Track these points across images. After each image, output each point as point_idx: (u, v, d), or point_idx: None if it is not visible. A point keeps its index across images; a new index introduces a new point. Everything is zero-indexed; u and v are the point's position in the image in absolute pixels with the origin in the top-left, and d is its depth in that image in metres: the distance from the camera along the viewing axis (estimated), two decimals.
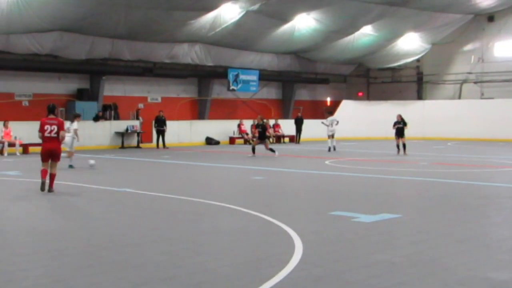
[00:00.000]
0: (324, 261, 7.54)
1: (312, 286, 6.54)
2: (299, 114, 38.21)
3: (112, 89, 34.48)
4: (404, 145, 26.72)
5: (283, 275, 6.86)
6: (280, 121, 39.07)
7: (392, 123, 27.87)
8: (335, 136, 29.88)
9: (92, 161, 20.40)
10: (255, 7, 31.39)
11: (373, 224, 10.02)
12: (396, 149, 27.22)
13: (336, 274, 6.97)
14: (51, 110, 14.26)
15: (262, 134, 26.56)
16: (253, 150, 25.92)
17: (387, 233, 9.41)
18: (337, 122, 30.28)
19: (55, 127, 13.91)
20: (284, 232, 9.29)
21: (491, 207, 12.51)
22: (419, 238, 9.05)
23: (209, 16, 31.50)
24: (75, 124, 20.52)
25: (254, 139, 26.19)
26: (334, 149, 29.02)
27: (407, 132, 27.78)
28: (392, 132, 27.90)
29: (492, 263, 7.53)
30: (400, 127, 27.26)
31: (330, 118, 30.45)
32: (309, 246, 8.34)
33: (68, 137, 18.77)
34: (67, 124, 18.21)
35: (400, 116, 27.79)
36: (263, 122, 26.92)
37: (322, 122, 31.15)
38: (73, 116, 21.46)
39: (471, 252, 8.13)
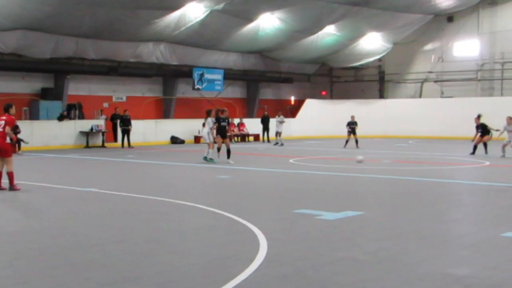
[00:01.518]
0: (289, 259, 7.56)
1: (277, 284, 6.56)
2: (266, 113, 38.29)
3: (77, 88, 34.15)
4: (356, 141, 30.69)
5: (248, 273, 6.86)
6: (245, 120, 39.12)
7: (347, 123, 31.32)
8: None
9: (360, 157, 21.51)
10: (220, 6, 31.35)
11: (337, 222, 10.09)
12: (345, 144, 30.88)
13: (301, 272, 6.99)
14: (5, 109, 14.43)
15: (223, 131, 22.61)
16: (218, 150, 22.60)
17: (350, 230, 9.48)
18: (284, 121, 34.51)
19: (2, 122, 14.02)
20: (249, 231, 9.30)
21: (451, 204, 12.69)
22: (382, 235, 9.13)
23: (174, 15, 31.37)
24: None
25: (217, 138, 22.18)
26: (282, 144, 32.34)
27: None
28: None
29: (452, 259, 7.63)
30: (353, 126, 31.04)
31: (282, 117, 34.37)
32: (274, 244, 8.36)
33: None
34: None
35: (353, 117, 31.43)
36: (225, 116, 23.20)
37: (278, 122, 34.00)
38: None
39: (432, 248, 8.23)
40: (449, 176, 17.64)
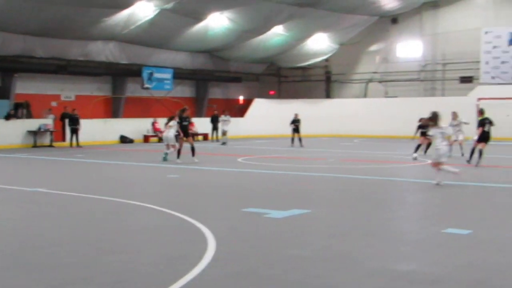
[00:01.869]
0: (238, 257, 7.58)
1: (226, 282, 6.57)
2: (216, 112, 38.20)
3: (25, 87, 33.46)
4: (300, 139, 30.89)
5: (197, 272, 6.86)
6: (194, 119, 38.92)
7: (291, 121, 31.67)
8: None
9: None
10: (170, 5, 31.16)
11: (284, 220, 10.14)
12: (291, 142, 31.31)
13: (249, 270, 7.01)
14: None
15: (186, 130, 22.13)
16: (179, 152, 21.80)
17: (298, 228, 9.54)
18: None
19: None
20: (198, 230, 9.28)
21: (395, 201, 12.89)
22: (329, 232, 9.22)
23: (124, 14, 31.04)
24: None
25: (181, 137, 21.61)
26: (224, 143, 32.69)
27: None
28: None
29: (397, 255, 7.77)
30: (297, 124, 31.29)
31: (228, 116, 34.89)
32: (223, 243, 8.36)
33: None
34: None
35: (297, 115, 31.75)
36: (186, 115, 22.76)
37: (224, 120, 34.54)
38: None
39: (377, 245, 8.35)
40: (393, 174, 17.91)
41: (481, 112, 21.82)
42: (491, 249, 8.02)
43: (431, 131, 15.53)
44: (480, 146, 20.20)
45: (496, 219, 10.33)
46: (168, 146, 22.91)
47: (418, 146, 24.31)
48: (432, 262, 7.36)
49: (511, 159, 23.06)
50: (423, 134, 24.58)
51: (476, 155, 20.27)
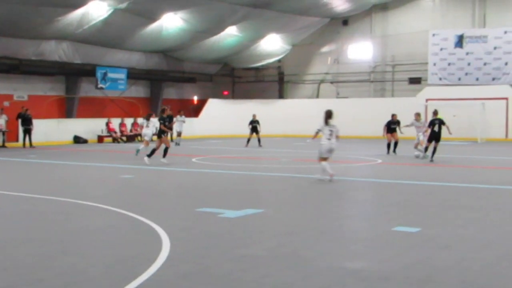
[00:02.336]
0: (192, 257, 7.56)
1: (180, 282, 6.55)
2: (170, 112, 37.91)
3: None
4: (259, 139, 30.88)
5: (151, 273, 6.81)
6: None
7: (249, 121, 31.54)
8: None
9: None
10: (123, 5, 30.85)
11: (238, 220, 10.16)
12: (246, 143, 30.95)
13: (203, 270, 7.00)
14: None
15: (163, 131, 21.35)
16: (153, 151, 21.01)
17: (251, 227, 9.56)
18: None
19: None
20: (152, 230, 9.22)
21: (345, 200, 13.03)
22: (281, 231, 9.26)
23: (77, 13, 30.60)
24: None
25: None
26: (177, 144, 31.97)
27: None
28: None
29: (347, 254, 7.85)
30: (255, 125, 31.20)
31: (183, 117, 34.34)
32: (177, 243, 8.33)
33: None
34: None
35: (255, 116, 31.64)
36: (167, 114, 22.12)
37: (179, 121, 33.60)
38: None
39: (328, 243, 8.43)
40: (344, 174, 18.06)
41: (435, 113, 22.46)
42: (438, 246, 8.16)
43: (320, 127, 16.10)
44: (430, 144, 21.21)
45: (444, 217, 10.52)
46: (147, 143, 23.20)
47: (389, 145, 24.75)
48: (381, 259, 7.46)
49: (457, 159, 23.49)
50: (392, 131, 24.88)
51: (429, 153, 21.33)
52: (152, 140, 23.71)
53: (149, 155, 20.77)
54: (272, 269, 7.03)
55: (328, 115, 16.10)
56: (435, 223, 9.87)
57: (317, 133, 16.29)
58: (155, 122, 23.08)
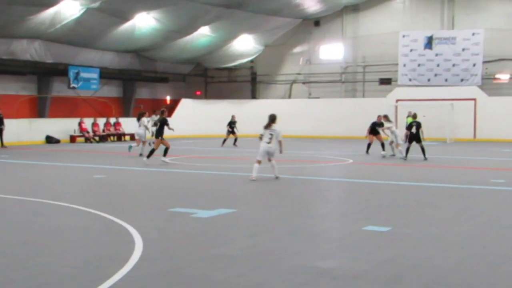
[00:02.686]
0: (164, 257, 7.54)
1: (153, 282, 6.52)
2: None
3: None
4: (236, 139, 31.42)
5: (124, 273, 6.78)
6: (121, 119, 38.47)
7: (228, 122, 31.73)
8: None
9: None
10: (96, 4, 30.59)
11: (210, 219, 10.15)
12: (222, 143, 31.40)
13: (176, 270, 6.99)
14: None
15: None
16: (152, 151, 20.93)
17: (223, 227, 9.56)
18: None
19: None
20: (125, 230, 9.18)
21: (318, 199, 13.08)
22: (254, 231, 9.27)
23: (49, 12, 30.26)
24: None
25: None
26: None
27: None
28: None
29: (318, 253, 7.88)
30: (233, 126, 31.58)
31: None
32: (150, 243, 8.30)
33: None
34: None
35: (234, 116, 32.04)
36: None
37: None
38: None
39: (300, 243, 8.46)
40: (316, 174, 18.17)
41: (414, 116, 23.59)
42: (408, 245, 8.24)
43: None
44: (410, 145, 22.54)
45: (414, 217, 10.62)
46: (139, 141, 24.52)
47: (369, 145, 24.97)
48: (353, 258, 7.51)
49: (422, 158, 23.70)
50: (376, 132, 24.96)
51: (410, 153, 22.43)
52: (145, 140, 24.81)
53: (148, 156, 20.72)
54: (245, 269, 7.04)
55: (272, 119, 16.41)
56: (405, 223, 9.95)
57: (260, 138, 16.58)
58: (145, 122, 24.55)
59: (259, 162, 16.17)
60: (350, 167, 20.32)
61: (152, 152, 20.81)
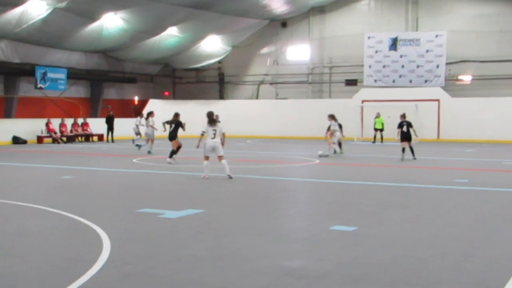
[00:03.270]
0: (132, 258, 7.50)
1: (120, 284, 6.49)
2: (111, 113, 37.49)
3: None
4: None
5: (91, 274, 6.74)
6: (89, 120, 38.12)
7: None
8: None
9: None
10: (63, 4, 30.28)
11: (178, 220, 10.12)
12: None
13: (144, 271, 6.96)
14: None
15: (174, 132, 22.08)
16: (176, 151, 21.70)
17: (192, 228, 9.54)
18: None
19: None
20: (92, 231, 9.11)
21: (285, 200, 13.11)
22: (222, 232, 9.27)
23: (16, 12, 29.86)
24: None
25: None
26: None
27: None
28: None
29: (286, 253, 7.91)
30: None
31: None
32: (118, 244, 8.25)
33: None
34: None
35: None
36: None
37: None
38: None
39: (268, 243, 8.48)
40: (284, 174, 18.22)
41: (403, 116, 24.16)
42: (373, 245, 8.31)
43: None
44: (403, 144, 23.05)
45: (379, 216, 10.72)
46: (148, 140, 26.12)
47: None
48: (319, 258, 7.55)
49: (391, 159, 23.94)
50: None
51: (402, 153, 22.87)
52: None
53: (170, 156, 21.43)
54: (212, 269, 7.04)
55: (210, 116, 17.09)
56: (370, 222, 10.04)
57: (202, 134, 17.06)
58: (151, 122, 26.57)
59: (207, 158, 16.71)
60: (317, 168, 20.42)
61: (172, 153, 21.53)
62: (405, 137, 23.26)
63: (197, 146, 17.30)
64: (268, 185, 15.51)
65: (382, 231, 9.31)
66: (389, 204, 12.14)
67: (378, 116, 35.11)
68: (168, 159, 21.21)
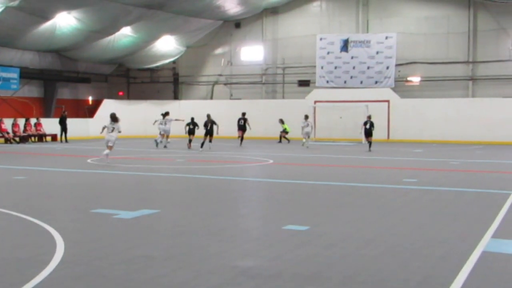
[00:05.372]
0: (86, 259, 7.40)
1: (74, 284, 6.39)
2: (65, 113, 36.92)
3: None
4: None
5: (44, 275, 6.61)
6: (42, 120, 37.48)
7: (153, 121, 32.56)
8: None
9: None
10: (15, 3, 29.71)
11: (133, 220, 10.04)
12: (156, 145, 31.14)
13: (97, 271, 6.87)
14: None
15: (208, 131, 28.82)
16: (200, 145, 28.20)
17: (146, 228, 9.47)
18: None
19: None
20: (46, 232, 8.96)
21: (239, 200, 13.13)
22: (176, 231, 9.23)
23: None
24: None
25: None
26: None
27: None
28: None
29: (239, 252, 7.92)
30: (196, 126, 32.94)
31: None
32: (71, 244, 8.13)
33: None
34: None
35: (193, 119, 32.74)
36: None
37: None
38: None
39: (221, 243, 8.47)
40: (237, 174, 18.23)
41: (369, 117, 29.72)
42: (325, 244, 8.38)
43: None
44: (368, 139, 28.97)
45: (331, 215, 10.81)
46: (163, 136, 30.67)
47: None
48: (272, 257, 7.57)
49: (343, 159, 24.19)
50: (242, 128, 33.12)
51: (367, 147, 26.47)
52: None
53: (201, 146, 28.01)
54: (166, 270, 6.99)
55: (112, 117, 21.55)
56: (323, 221, 10.13)
57: (103, 128, 21.59)
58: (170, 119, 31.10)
59: (110, 148, 21.06)
60: (270, 167, 20.50)
61: (203, 143, 28.13)
62: (368, 133, 28.64)
63: (101, 132, 22.06)
64: (222, 185, 15.50)
65: (334, 230, 9.40)
66: (341, 204, 12.26)
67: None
68: (201, 149, 27.59)
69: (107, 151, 20.80)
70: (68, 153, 26.62)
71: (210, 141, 28.66)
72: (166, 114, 31.62)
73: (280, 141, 36.35)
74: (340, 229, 9.49)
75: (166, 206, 11.83)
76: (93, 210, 10.98)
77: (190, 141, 29.99)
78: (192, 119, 30.41)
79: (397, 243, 8.44)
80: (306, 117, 32.24)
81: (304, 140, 31.34)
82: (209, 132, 28.64)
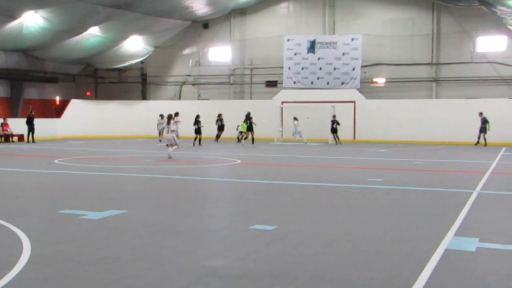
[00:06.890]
0: (53, 260, 7.32)
1: (41, 286, 6.31)
2: (32, 113, 36.42)
3: None
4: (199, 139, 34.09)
5: (11, 277, 6.52)
6: (9, 120, 36.93)
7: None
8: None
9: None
10: None
11: (100, 221, 9.95)
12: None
13: (65, 272, 6.80)
14: None
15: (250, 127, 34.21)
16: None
17: (114, 229, 9.41)
18: None
19: None
20: (12, 233, 8.83)
21: (207, 200, 13.11)
22: (144, 232, 9.18)
23: None
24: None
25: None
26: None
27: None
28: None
29: (207, 252, 7.90)
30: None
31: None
32: (38, 246, 8.03)
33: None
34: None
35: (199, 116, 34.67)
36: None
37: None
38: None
39: (189, 242, 8.45)
40: (205, 174, 18.22)
41: (334, 116, 33.56)
42: (293, 243, 8.41)
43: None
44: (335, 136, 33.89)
45: (298, 215, 10.86)
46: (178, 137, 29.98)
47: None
48: (239, 257, 7.58)
49: (309, 159, 24.30)
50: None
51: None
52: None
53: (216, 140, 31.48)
54: (134, 270, 6.95)
55: (169, 117, 23.50)
56: (290, 221, 10.16)
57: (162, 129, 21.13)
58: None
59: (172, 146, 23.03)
60: (237, 167, 20.51)
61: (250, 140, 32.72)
62: (333, 130, 34.49)
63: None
64: (190, 185, 15.46)
65: (301, 229, 9.43)
66: (307, 203, 12.33)
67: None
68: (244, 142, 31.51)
69: (170, 148, 23.13)
70: (35, 153, 26.29)
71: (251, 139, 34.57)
72: (176, 114, 30.02)
73: (239, 141, 36.21)
74: (307, 228, 9.53)
75: (134, 207, 11.75)
76: (60, 211, 10.86)
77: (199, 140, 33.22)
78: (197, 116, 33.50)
79: (363, 242, 8.51)
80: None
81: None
82: (249, 128, 34.56)
